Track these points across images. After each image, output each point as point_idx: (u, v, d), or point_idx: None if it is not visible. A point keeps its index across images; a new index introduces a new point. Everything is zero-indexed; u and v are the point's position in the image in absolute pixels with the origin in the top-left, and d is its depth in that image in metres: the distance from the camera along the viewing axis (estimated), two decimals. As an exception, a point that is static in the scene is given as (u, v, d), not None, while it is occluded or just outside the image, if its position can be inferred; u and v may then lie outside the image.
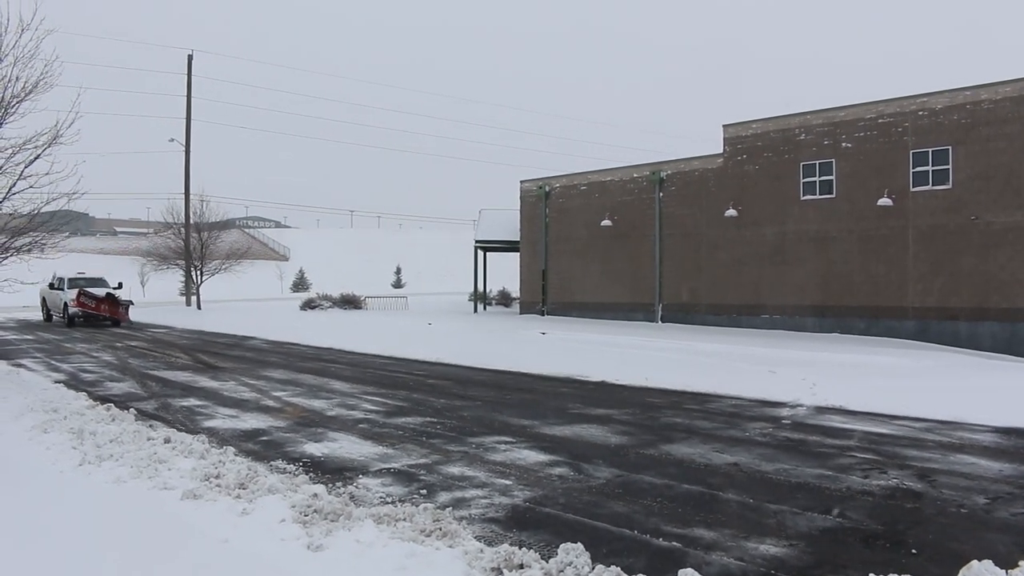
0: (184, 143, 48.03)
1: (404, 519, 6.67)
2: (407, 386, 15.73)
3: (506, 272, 49.55)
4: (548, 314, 36.65)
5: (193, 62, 48.21)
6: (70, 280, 35.00)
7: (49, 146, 14.97)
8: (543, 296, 37.34)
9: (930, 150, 24.70)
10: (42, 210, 15.69)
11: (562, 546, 5.58)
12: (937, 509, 7.52)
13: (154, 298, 62.87)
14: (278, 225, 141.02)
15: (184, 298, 52.83)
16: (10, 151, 14.94)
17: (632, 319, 32.76)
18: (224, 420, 12.02)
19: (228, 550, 6.24)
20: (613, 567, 5.32)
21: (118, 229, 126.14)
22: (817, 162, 27.37)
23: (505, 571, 5.49)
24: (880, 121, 25.80)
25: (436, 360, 20.29)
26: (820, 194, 27.33)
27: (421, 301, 53.06)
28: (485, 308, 44.93)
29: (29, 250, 16.38)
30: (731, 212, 29.39)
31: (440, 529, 6.38)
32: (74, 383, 15.67)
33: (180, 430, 10.65)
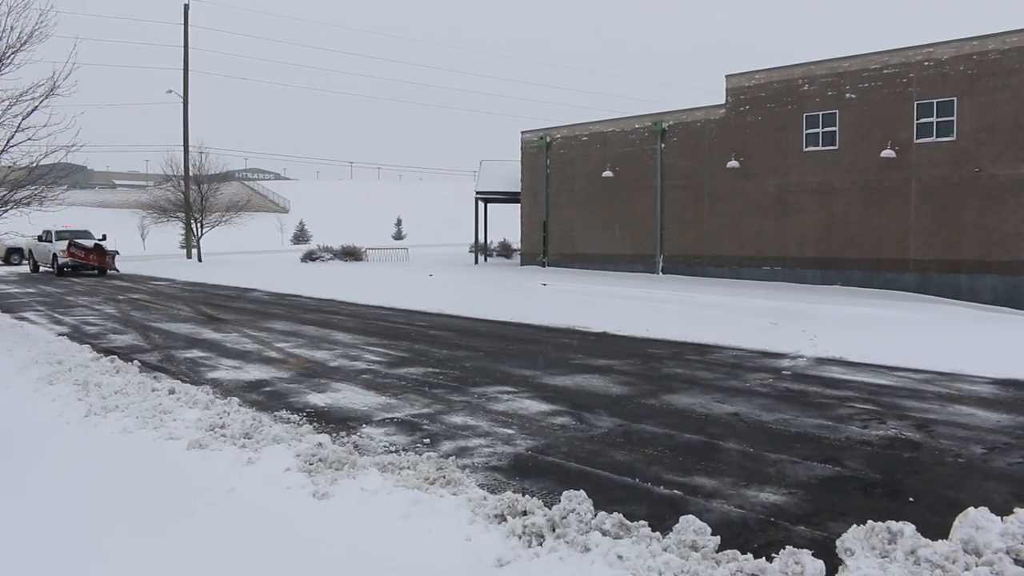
0: (182, 94, 47.66)
1: (408, 467, 6.74)
2: (409, 337, 15.80)
3: (507, 223, 49.46)
4: (549, 265, 36.67)
5: (190, 12, 47.68)
6: (57, 233, 36.85)
7: (46, 97, 14.89)
8: (544, 247, 37.32)
9: (935, 101, 24.51)
10: (41, 163, 15.67)
11: (565, 493, 5.65)
12: (935, 459, 7.60)
13: (154, 251, 62.89)
14: (278, 177, 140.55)
15: (184, 251, 52.81)
16: (7, 103, 14.89)
17: (633, 270, 32.78)
18: (227, 371, 12.10)
19: (234, 499, 6.32)
20: (615, 514, 5.40)
21: (117, 182, 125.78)
22: (820, 113, 27.18)
23: (509, 518, 5.56)
24: (885, 72, 25.57)
25: (438, 311, 20.35)
26: (823, 145, 27.19)
27: (422, 253, 53.07)
28: (486, 260, 44.94)
29: (28, 203, 16.37)
30: (733, 163, 29.26)
31: (444, 477, 6.45)
32: (77, 336, 15.74)
33: (184, 381, 10.72)
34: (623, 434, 8.45)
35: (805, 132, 27.63)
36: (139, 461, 7.32)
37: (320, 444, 7.34)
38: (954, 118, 24.11)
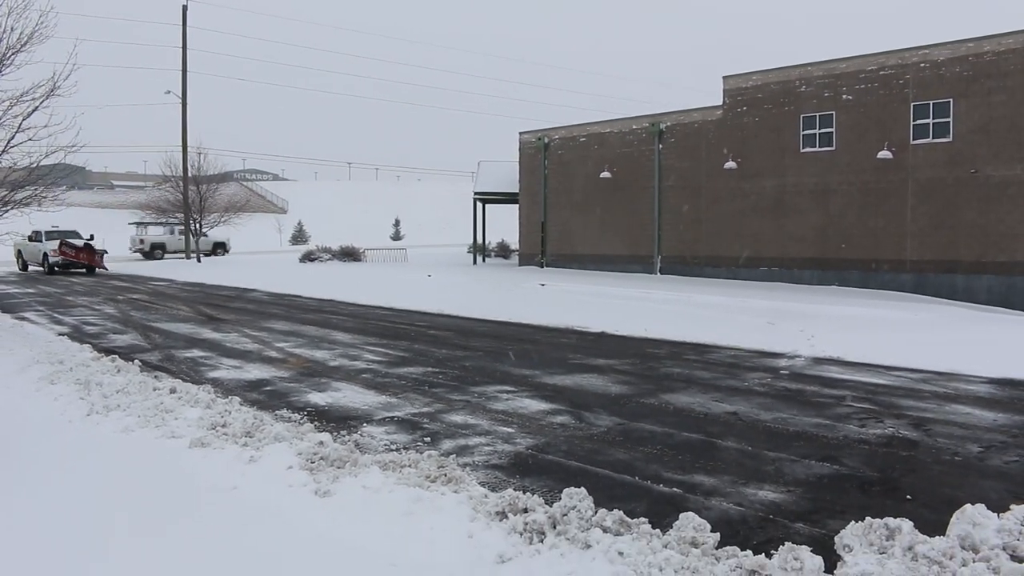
0: (181, 95, 47.67)
1: (409, 465, 6.79)
2: (408, 337, 15.85)
3: (505, 224, 49.50)
4: (547, 266, 36.72)
5: (188, 12, 47.68)
6: (47, 233, 37.74)
7: (47, 98, 14.93)
8: (542, 248, 37.38)
9: (931, 103, 24.60)
10: (41, 163, 15.68)
11: (566, 491, 5.70)
12: (932, 457, 7.66)
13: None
14: (276, 178, 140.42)
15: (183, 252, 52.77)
16: (7, 103, 14.92)
17: (631, 271, 32.85)
18: (228, 371, 12.14)
19: (237, 497, 6.37)
20: (616, 511, 5.45)
21: (115, 183, 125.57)
22: (817, 114, 27.27)
23: (510, 515, 5.61)
24: (881, 73, 25.66)
25: (437, 311, 20.39)
26: (820, 146, 27.27)
27: (420, 253, 53.10)
28: (484, 260, 44.99)
29: (28, 204, 16.40)
30: (731, 164, 29.33)
31: (445, 475, 6.51)
32: (78, 335, 15.77)
33: (185, 381, 10.76)
34: (622, 433, 8.51)
35: (802, 133, 27.71)
36: (141, 459, 7.37)
37: (321, 443, 7.39)
38: (950, 119, 24.20)
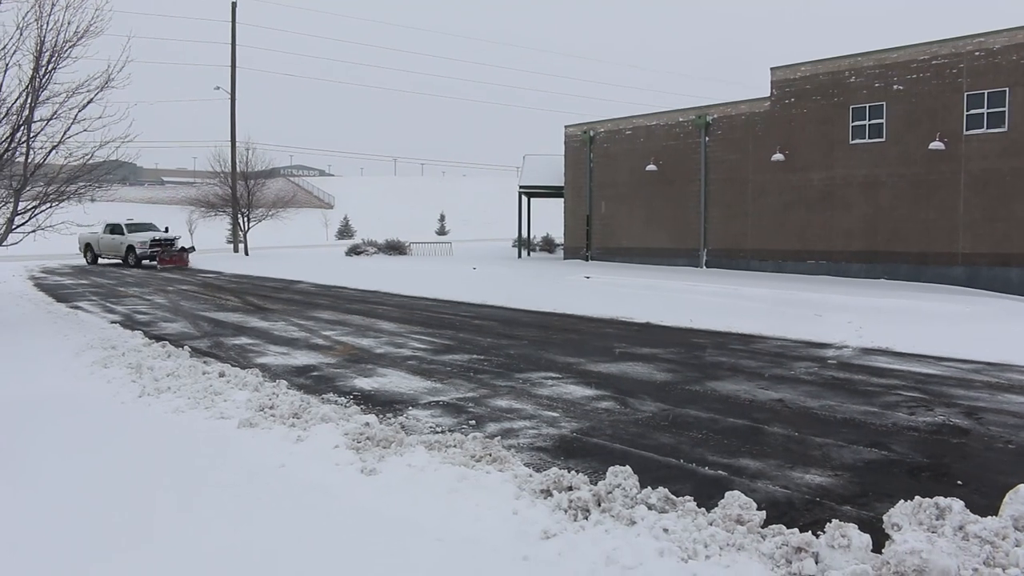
0: (230, 91, 48.31)
1: (454, 446, 6.84)
2: (453, 326, 15.92)
3: (550, 218, 49.43)
4: (592, 259, 36.63)
5: (237, 9, 48.27)
6: (128, 225, 39.30)
7: (102, 90, 15.26)
8: (587, 241, 37.29)
9: (986, 92, 24.09)
10: (95, 154, 15.99)
11: (610, 469, 5.70)
12: (984, 444, 7.53)
13: (202, 245, 63.67)
14: (322, 173, 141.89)
15: (231, 245, 53.51)
16: (64, 95, 15.25)
17: (676, 264, 32.65)
18: (275, 357, 12.30)
19: (284, 474, 6.46)
20: (661, 489, 5.44)
21: (165, 179, 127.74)
22: (867, 105, 26.84)
23: (554, 492, 5.63)
24: (934, 63, 25.18)
25: (481, 302, 20.46)
26: (869, 138, 26.85)
27: (465, 247, 53.25)
28: (529, 254, 45.00)
29: (81, 196, 16.76)
30: (778, 156, 29.01)
31: (490, 455, 6.54)
32: (129, 323, 16.08)
33: (234, 366, 10.92)
34: (667, 418, 8.47)
35: (851, 125, 27.30)
36: (191, 438, 7.50)
37: (367, 424, 7.47)
38: (1006, 109, 23.68)
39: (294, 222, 56.59)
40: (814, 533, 4.79)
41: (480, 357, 12.26)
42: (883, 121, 26.48)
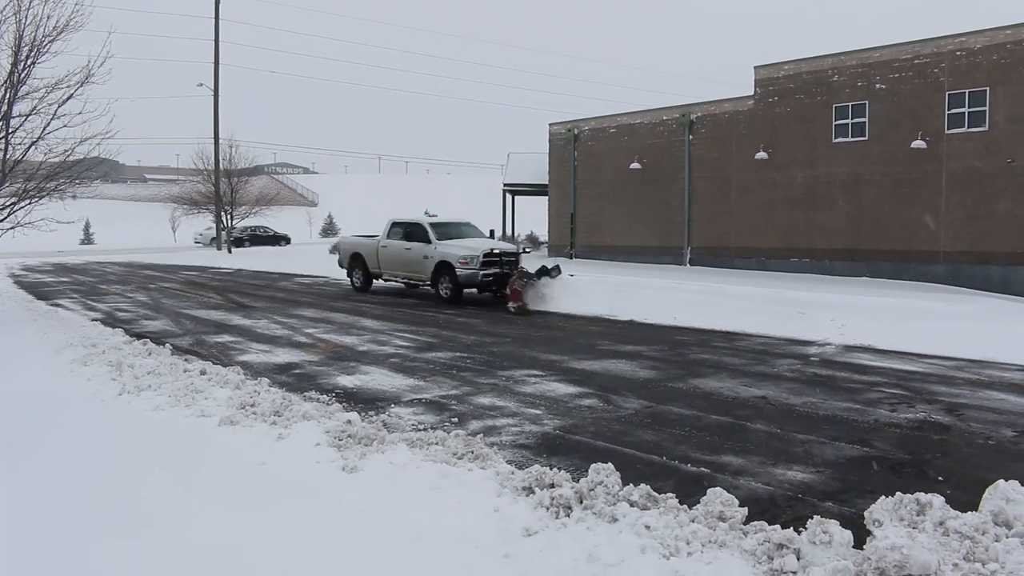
0: (213, 88, 48.07)
1: (436, 443, 6.81)
2: (436, 324, 15.88)
3: (535, 216, 49.46)
4: (576, 257, 36.63)
5: (221, 5, 48.02)
6: (435, 225, 21.24)
7: (82, 85, 15.13)
8: (571, 239, 37.29)
9: (967, 91, 24.23)
10: (75, 150, 15.87)
11: (593, 466, 5.69)
12: (964, 441, 7.56)
13: (185, 243, 63.50)
14: (306, 171, 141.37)
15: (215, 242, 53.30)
16: (43, 91, 15.12)
17: (660, 262, 32.68)
18: (257, 355, 12.23)
19: (265, 472, 6.42)
20: (643, 485, 5.43)
21: (148, 176, 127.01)
22: (850, 104, 26.95)
23: (536, 490, 5.61)
24: (916, 62, 25.30)
25: (465, 300, 20.39)
26: (852, 137, 26.96)
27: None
28: (513, 253, 44.93)
29: (62, 192, 16.63)
30: (761, 155, 29.09)
31: (472, 452, 6.52)
32: (110, 321, 15.95)
33: (215, 363, 10.85)
34: (650, 415, 8.47)
35: (834, 123, 27.40)
36: (171, 436, 7.45)
37: (349, 421, 7.43)
38: (986, 108, 23.83)
39: (278, 220, 56.45)
40: (796, 530, 4.79)
41: (463, 355, 12.23)
42: (866, 120, 26.59)
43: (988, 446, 7.38)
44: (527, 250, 27.60)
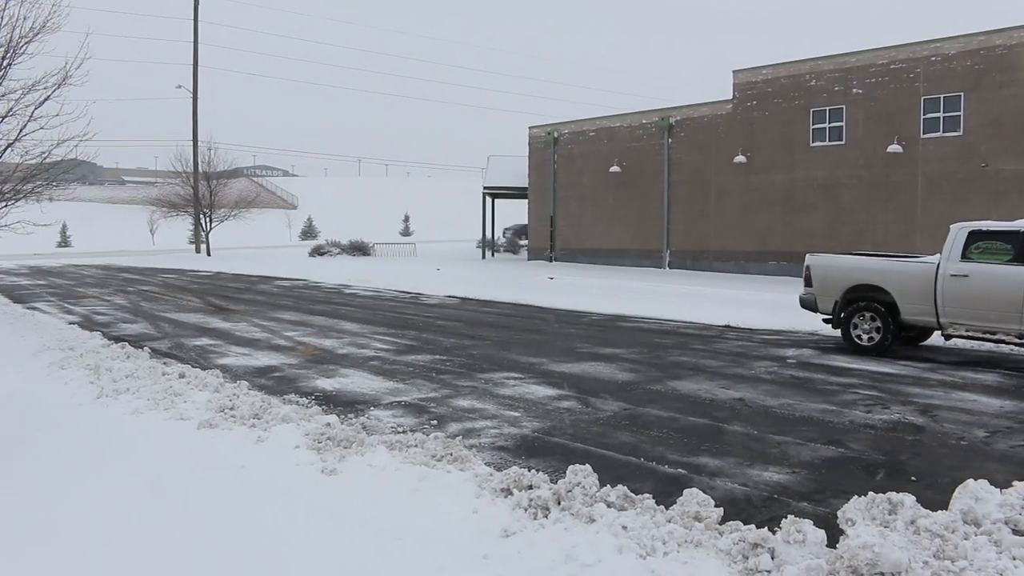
0: (192, 89, 47.83)
1: (416, 445, 6.83)
2: (416, 327, 15.89)
3: (514, 219, 49.58)
4: (556, 260, 36.74)
5: (200, 7, 47.80)
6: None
7: (59, 87, 15.06)
8: (551, 242, 37.39)
9: (942, 96, 24.53)
10: (52, 152, 15.79)
11: (570, 468, 5.74)
12: (938, 441, 7.66)
13: (163, 246, 63.11)
14: (286, 174, 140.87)
15: (193, 246, 53.01)
16: (20, 92, 15.03)
17: (640, 265, 32.83)
18: (237, 358, 12.20)
19: (245, 475, 6.42)
20: (620, 487, 5.48)
21: (126, 178, 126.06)
22: (827, 108, 27.21)
23: (515, 491, 5.65)
24: (892, 67, 25.58)
25: (444, 303, 20.43)
26: (830, 141, 27.22)
27: (429, 248, 53.16)
28: (493, 255, 45.03)
29: (39, 194, 16.53)
30: (740, 158, 29.30)
31: (451, 455, 6.55)
32: (88, 324, 15.86)
33: (194, 367, 10.82)
34: (628, 417, 8.53)
35: (812, 127, 27.65)
36: (150, 440, 7.43)
37: (329, 424, 7.45)
38: (961, 113, 24.13)
39: (257, 222, 56.11)
40: (771, 529, 4.85)
41: (443, 357, 12.25)
42: (843, 124, 26.86)
43: (960, 446, 7.48)
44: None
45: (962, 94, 24.08)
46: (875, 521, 4.77)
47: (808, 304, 14.11)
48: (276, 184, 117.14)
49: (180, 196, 48.33)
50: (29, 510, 5.67)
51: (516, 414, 8.60)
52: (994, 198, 23.43)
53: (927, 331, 13.46)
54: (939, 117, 24.58)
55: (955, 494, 5.04)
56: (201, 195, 46.75)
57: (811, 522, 4.76)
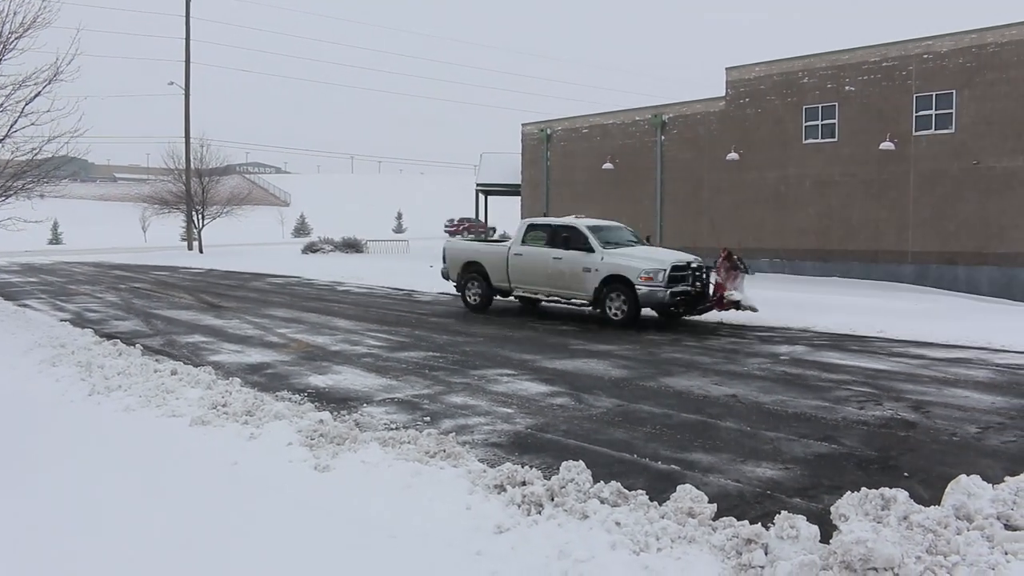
0: (184, 86, 47.70)
1: (408, 442, 6.82)
2: (409, 324, 15.88)
3: (507, 216, 49.53)
4: (549, 258, 36.75)
5: (192, 2, 47.67)
6: (594, 228, 16.81)
7: (50, 83, 14.98)
8: (544, 240, 37.37)
9: (934, 94, 24.58)
10: (44, 148, 15.72)
11: (564, 464, 5.73)
12: (930, 437, 7.68)
13: (155, 243, 62.99)
14: (278, 171, 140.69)
15: (185, 243, 52.87)
16: (10, 88, 14.97)
17: (633, 263, 32.82)
18: (229, 355, 12.17)
19: (237, 471, 6.40)
20: (613, 483, 5.48)
21: (118, 175, 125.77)
22: (820, 106, 27.25)
23: (508, 487, 5.64)
24: (884, 64, 25.62)
25: (437, 300, 20.42)
26: (822, 138, 27.26)
27: (422, 245, 53.03)
28: (486, 253, 44.98)
29: (30, 191, 16.46)
30: (732, 156, 29.32)
31: (444, 451, 6.54)
32: (80, 321, 15.81)
33: (186, 363, 10.79)
34: (621, 413, 8.53)
35: (805, 124, 27.69)
36: (142, 436, 7.40)
37: (321, 421, 7.43)
38: (953, 111, 24.18)
39: (250, 219, 56.02)
40: (764, 525, 4.85)
41: (436, 354, 12.24)
42: (835, 121, 26.90)
43: (952, 442, 7.50)
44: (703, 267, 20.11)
45: (954, 92, 24.13)
46: (868, 517, 4.78)
47: (445, 275, 19.12)
48: (269, 181, 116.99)
49: (172, 193, 48.21)
50: (18, 508, 5.65)
51: (509, 411, 8.59)
52: (986, 195, 23.51)
53: (507, 292, 17.77)
54: (931, 115, 24.64)
55: (947, 489, 5.05)
56: (193, 192, 46.64)
57: (804, 518, 4.76)
